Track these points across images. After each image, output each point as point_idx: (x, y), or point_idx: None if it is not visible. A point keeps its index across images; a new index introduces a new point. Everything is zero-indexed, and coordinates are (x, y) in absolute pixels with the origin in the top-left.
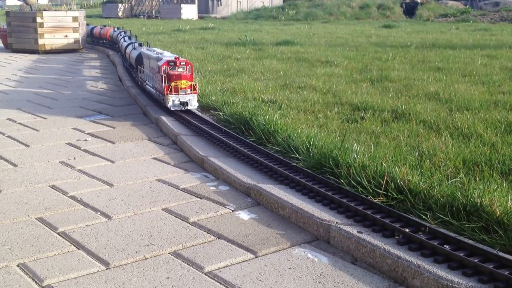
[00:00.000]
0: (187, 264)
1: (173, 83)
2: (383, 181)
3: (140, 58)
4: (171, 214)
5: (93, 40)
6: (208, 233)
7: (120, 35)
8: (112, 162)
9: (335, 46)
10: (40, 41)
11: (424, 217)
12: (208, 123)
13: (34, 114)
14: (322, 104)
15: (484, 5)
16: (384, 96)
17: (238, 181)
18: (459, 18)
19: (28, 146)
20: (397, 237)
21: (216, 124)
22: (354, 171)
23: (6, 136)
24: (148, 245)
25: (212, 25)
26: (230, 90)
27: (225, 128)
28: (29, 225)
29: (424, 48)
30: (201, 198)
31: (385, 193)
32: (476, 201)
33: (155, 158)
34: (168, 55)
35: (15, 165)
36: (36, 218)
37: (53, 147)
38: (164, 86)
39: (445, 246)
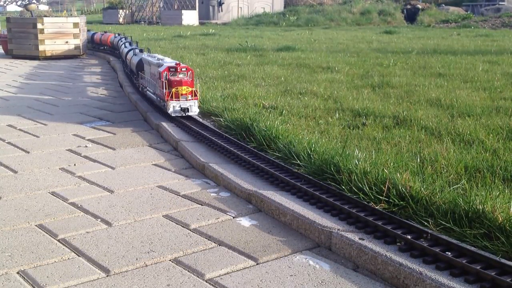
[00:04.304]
0: (188, 271)
1: (174, 89)
2: (385, 187)
3: (140, 64)
4: (172, 221)
5: (94, 46)
6: (209, 240)
7: (121, 41)
8: (113, 168)
9: (336, 52)
10: (41, 47)
11: (426, 223)
12: (209, 129)
13: (35, 120)
14: (323, 110)
15: (486, 11)
16: (386, 102)
17: (239, 188)
18: (460, 24)
19: (28, 152)
20: (398, 244)
21: (217, 130)
22: (355, 178)
23: (6, 143)
24: (148, 252)
25: (213, 31)
26: (231, 96)
27: (226, 134)
28: (29, 232)
29: (425, 54)
30: (202, 205)
31: (386, 199)
32: (478, 207)
33: (155, 165)
34: (169, 61)
35: (15, 172)
36: (36, 225)
37: (54, 153)
38: (165, 92)
39: (447, 252)
